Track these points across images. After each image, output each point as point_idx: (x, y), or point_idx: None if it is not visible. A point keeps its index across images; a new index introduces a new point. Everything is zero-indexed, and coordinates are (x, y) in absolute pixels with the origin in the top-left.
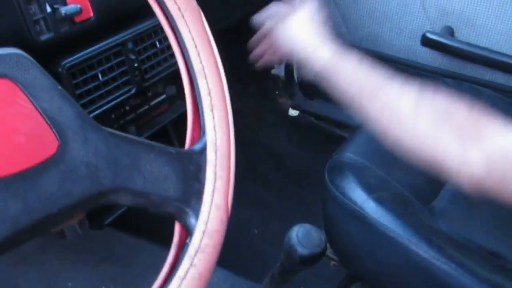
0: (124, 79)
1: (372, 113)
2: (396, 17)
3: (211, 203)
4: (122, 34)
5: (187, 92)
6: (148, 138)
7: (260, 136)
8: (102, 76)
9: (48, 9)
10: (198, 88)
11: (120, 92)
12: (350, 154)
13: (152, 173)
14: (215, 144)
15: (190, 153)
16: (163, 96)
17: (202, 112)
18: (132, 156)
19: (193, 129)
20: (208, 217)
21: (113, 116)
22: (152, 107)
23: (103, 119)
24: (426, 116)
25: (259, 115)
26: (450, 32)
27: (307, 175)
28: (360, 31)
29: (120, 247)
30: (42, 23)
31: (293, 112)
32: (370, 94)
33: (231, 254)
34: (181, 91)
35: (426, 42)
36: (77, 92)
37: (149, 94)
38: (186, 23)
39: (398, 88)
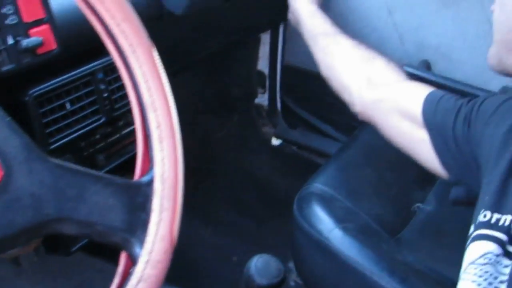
0: (93, 108)
1: (316, 49)
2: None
3: (156, 233)
4: (92, 64)
5: (137, 125)
6: (118, 166)
7: (243, 164)
8: (71, 105)
9: (10, 41)
10: (148, 121)
11: (89, 121)
12: (319, 185)
13: (98, 204)
14: (163, 176)
15: (138, 184)
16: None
17: (152, 145)
18: (78, 187)
19: (143, 161)
20: (153, 247)
21: (82, 144)
22: (123, 136)
23: (72, 147)
24: (348, 55)
25: (243, 143)
26: (427, 65)
27: (289, 203)
28: None
29: (94, 273)
30: (3, 54)
31: (276, 141)
32: (318, 38)
33: (208, 281)
34: None
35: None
36: (44, 120)
37: (120, 123)
38: (138, 59)
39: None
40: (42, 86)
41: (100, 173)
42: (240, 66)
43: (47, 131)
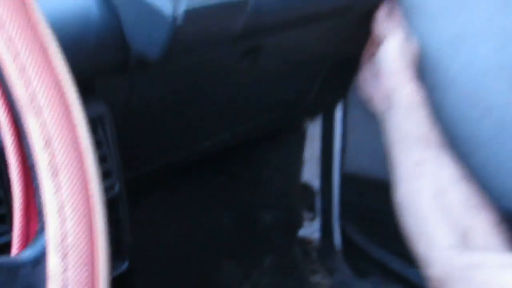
0: None
1: (396, 167)
2: (493, 142)
3: None
4: None
5: (8, 146)
6: None
7: None
8: None
9: None
10: (27, 136)
11: None
12: None
13: None
14: (64, 242)
15: (16, 265)
16: None
17: (38, 182)
18: None
19: (23, 219)
20: None
21: None
22: None
23: None
24: (447, 191)
25: None
26: None
27: None
28: None
29: None
30: None
31: None
32: (410, 146)
33: None
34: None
35: None
36: None
37: None
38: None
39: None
40: None
41: None
42: (273, 177)
43: None
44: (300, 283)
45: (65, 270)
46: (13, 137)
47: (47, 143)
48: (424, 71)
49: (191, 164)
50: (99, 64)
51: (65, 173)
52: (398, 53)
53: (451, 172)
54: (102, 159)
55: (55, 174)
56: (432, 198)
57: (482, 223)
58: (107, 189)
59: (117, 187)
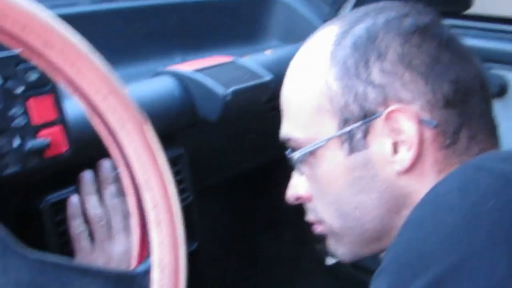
0: None
1: None
2: None
3: None
4: None
5: (132, 209)
6: None
7: (295, 287)
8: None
9: (16, 144)
10: (143, 203)
11: None
12: None
13: None
14: (162, 262)
15: (132, 275)
16: None
17: (148, 228)
18: (61, 283)
19: (140, 248)
20: None
21: None
22: None
23: None
24: None
25: (295, 263)
26: None
27: None
28: None
29: None
30: (9, 157)
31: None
32: None
33: None
34: None
35: None
36: (61, 229)
37: None
38: (128, 134)
39: None
40: (61, 192)
41: (88, 265)
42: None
43: (63, 240)
44: (309, 250)
45: (161, 279)
46: (136, 203)
47: (155, 206)
48: None
49: (245, 178)
50: (179, 123)
51: (164, 224)
52: None
53: None
54: (181, 181)
55: (159, 224)
56: None
57: None
58: (185, 199)
59: (190, 198)
